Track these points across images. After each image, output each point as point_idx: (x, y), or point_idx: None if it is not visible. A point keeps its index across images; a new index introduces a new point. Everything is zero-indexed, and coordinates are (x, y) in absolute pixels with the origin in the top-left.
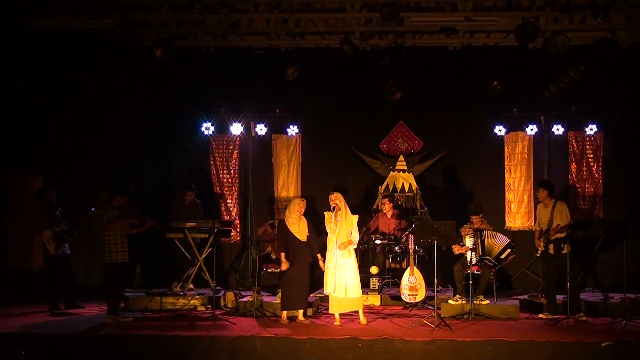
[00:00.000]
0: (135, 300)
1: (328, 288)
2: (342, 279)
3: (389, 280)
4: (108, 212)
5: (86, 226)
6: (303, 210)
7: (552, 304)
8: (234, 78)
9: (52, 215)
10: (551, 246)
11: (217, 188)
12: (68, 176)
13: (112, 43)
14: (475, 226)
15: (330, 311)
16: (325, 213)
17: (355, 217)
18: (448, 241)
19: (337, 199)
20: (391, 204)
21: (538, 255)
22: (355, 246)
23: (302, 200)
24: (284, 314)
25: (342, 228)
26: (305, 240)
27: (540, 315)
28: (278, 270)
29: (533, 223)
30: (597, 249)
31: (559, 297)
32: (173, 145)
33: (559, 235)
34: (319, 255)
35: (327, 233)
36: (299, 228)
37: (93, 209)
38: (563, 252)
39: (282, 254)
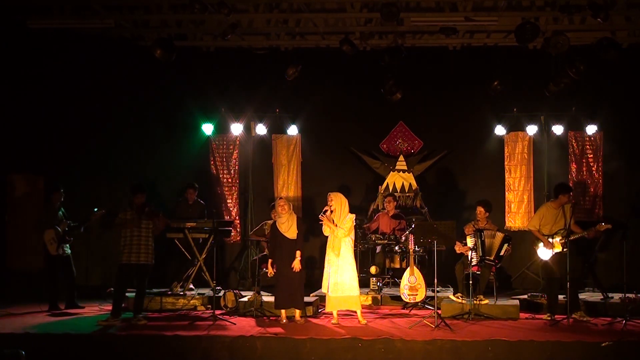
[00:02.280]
0: None
1: (324, 288)
2: (342, 278)
3: (389, 280)
4: (126, 213)
5: (90, 225)
6: (287, 208)
7: (555, 304)
8: (234, 78)
9: (55, 215)
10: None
11: (217, 188)
12: (68, 176)
13: (112, 43)
14: (480, 224)
15: (327, 309)
16: (322, 214)
17: (352, 217)
18: (448, 241)
19: (331, 200)
20: (395, 203)
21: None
22: (346, 236)
23: (281, 199)
24: (283, 313)
25: (338, 229)
26: (295, 239)
27: (545, 317)
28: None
29: None
30: (597, 248)
31: (560, 297)
32: (173, 146)
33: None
34: (297, 253)
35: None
36: (288, 226)
37: (96, 209)
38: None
39: (270, 260)
